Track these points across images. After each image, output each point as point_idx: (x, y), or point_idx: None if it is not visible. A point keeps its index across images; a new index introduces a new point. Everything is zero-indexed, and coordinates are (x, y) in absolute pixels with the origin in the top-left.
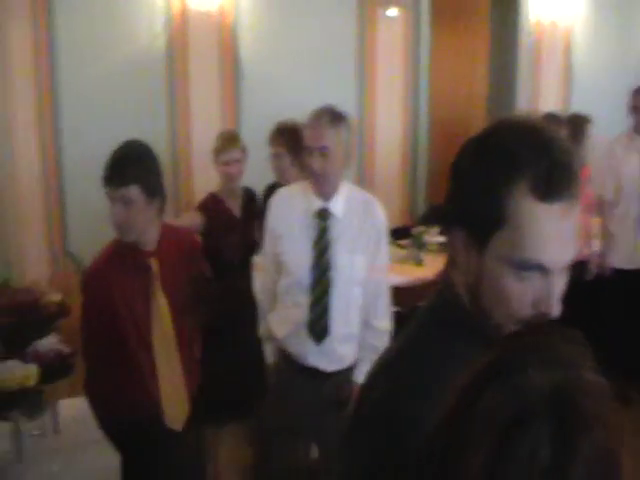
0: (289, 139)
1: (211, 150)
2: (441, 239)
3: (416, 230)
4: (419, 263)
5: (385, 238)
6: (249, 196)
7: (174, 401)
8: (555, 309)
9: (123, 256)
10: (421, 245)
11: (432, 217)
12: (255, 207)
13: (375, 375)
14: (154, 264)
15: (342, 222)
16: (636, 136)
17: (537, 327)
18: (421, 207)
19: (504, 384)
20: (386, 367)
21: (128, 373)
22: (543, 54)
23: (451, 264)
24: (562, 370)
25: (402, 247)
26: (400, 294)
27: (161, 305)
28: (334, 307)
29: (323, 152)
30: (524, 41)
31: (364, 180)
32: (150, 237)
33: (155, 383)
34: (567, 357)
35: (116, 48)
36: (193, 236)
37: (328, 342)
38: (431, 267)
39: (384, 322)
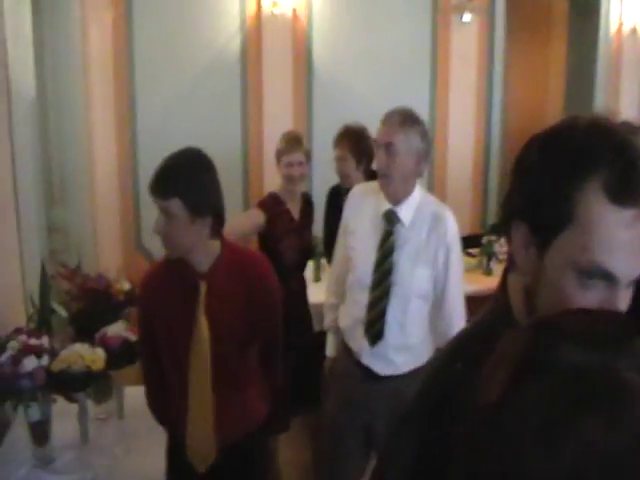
0: (354, 142)
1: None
2: None
3: (486, 239)
4: (488, 272)
5: (456, 254)
6: (307, 200)
7: (200, 438)
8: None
9: (172, 271)
10: (491, 254)
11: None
12: (312, 212)
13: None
14: (202, 287)
15: (408, 229)
16: None
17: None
18: (492, 216)
19: (539, 339)
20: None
21: (160, 389)
22: (623, 63)
23: (510, 264)
24: (607, 354)
25: (472, 256)
26: (469, 303)
27: (202, 332)
28: (391, 313)
29: (388, 149)
30: (603, 50)
31: (435, 187)
32: (201, 257)
33: (184, 410)
34: (617, 343)
35: (191, 50)
36: (265, 265)
37: (382, 347)
38: (500, 277)
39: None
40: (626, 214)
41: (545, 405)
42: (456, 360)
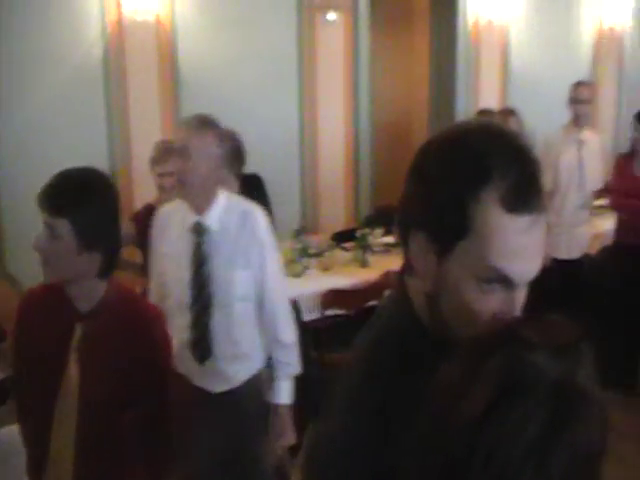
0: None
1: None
2: (386, 240)
3: (360, 232)
4: (364, 265)
5: (270, 249)
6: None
7: None
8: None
9: (51, 301)
10: (366, 247)
11: (377, 218)
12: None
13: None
14: (78, 330)
15: (218, 235)
16: (574, 128)
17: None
18: (365, 209)
19: (514, 353)
20: (342, 381)
21: (24, 419)
22: (482, 53)
23: (407, 269)
24: (569, 363)
25: (347, 250)
26: (346, 297)
27: (72, 382)
28: (216, 326)
29: (183, 153)
30: (462, 41)
31: (307, 184)
32: (83, 295)
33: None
34: (574, 351)
35: (51, 62)
36: (156, 321)
37: (212, 362)
38: (376, 268)
39: (286, 335)
40: (521, 221)
41: (529, 423)
42: (379, 368)
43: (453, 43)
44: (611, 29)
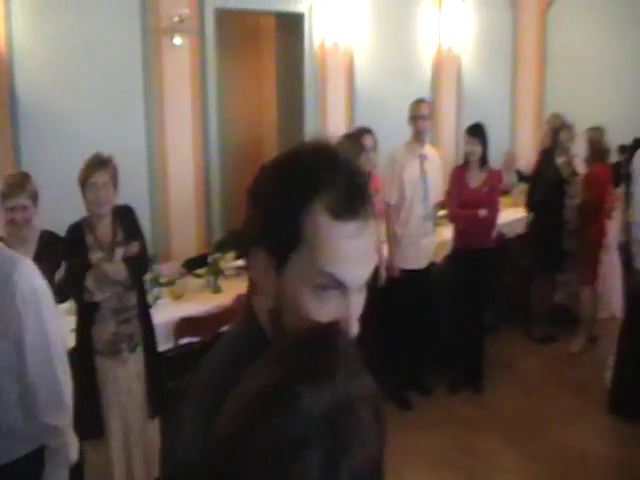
0: (113, 169)
1: None
2: (238, 264)
3: (212, 257)
4: (217, 290)
5: (32, 312)
6: (47, 240)
7: None
8: (354, 327)
9: None
10: (218, 272)
11: (229, 243)
12: (57, 250)
13: (182, 412)
14: None
15: None
16: (416, 143)
17: (306, 341)
18: (217, 235)
19: (278, 413)
20: (192, 402)
21: None
22: (328, 74)
23: (252, 288)
24: (331, 391)
25: (199, 276)
26: (200, 324)
27: None
28: None
29: None
30: (309, 62)
31: (157, 212)
32: None
33: None
34: (336, 373)
35: None
36: None
37: None
38: (229, 293)
39: (51, 418)
40: (349, 227)
41: (309, 470)
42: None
43: (300, 64)
44: (449, 49)
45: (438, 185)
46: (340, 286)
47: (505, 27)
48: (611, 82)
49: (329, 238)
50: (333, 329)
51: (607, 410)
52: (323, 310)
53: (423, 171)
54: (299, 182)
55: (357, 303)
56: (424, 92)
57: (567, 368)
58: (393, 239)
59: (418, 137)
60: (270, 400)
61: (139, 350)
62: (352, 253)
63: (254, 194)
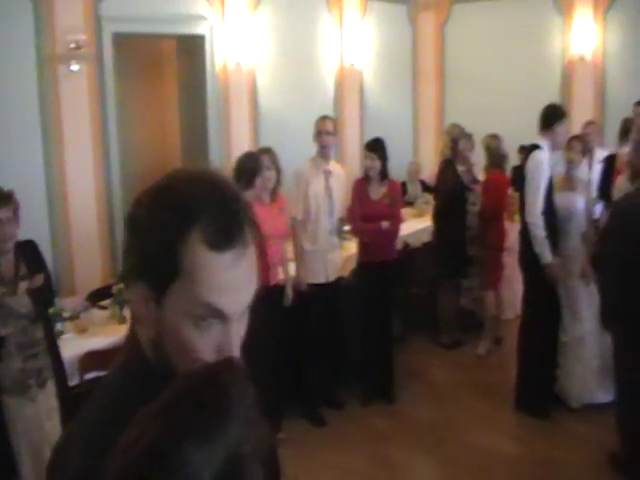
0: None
1: None
2: None
3: (117, 288)
4: (122, 321)
5: None
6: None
7: None
8: (236, 354)
9: None
10: (123, 302)
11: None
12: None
13: (65, 447)
14: None
15: None
16: (321, 159)
17: (197, 386)
18: (121, 264)
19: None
20: (75, 436)
21: None
22: (231, 96)
23: (134, 320)
24: (223, 450)
25: (104, 308)
26: (106, 357)
27: None
28: None
29: None
30: (211, 85)
31: (59, 246)
32: None
33: None
34: (228, 428)
35: None
36: None
37: None
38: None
39: None
40: (226, 257)
41: None
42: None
43: (202, 87)
44: (351, 66)
45: (342, 200)
46: (220, 315)
47: (405, 43)
48: (504, 93)
49: (206, 269)
50: (227, 372)
51: (513, 407)
52: (203, 340)
53: (328, 187)
54: (173, 213)
55: (238, 331)
56: (328, 109)
57: (475, 371)
58: (300, 254)
59: (323, 153)
60: (156, 463)
61: (49, 385)
62: (230, 282)
63: (130, 225)
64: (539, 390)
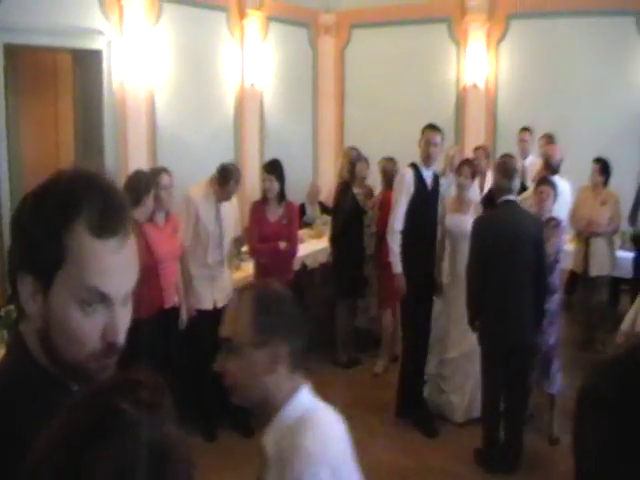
0: None
1: None
2: None
3: (4, 310)
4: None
5: None
6: None
7: None
8: (121, 339)
9: None
10: (10, 324)
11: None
12: None
13: None
14: None
15: None
16: (210, 187)
17: (104, 391)
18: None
19: (105, 443)
20: None
21: None
22: (128, 114)
23: (20, 317)
24: (152, 427)
25: None
26: None
27: None
28: None
29: None
30: (108, 101)
31: None
32: None
33: None
34: (154, 410)
35: None
36: None
37: None
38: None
39: None
40: (109, 244)
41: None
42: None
43: (99, 103)
44: (252, 86)
45: (234, 226)
46: (105, 300)
47: (306, 65)
48: (402, 116)
49: (91, 254)
50: (137, 381)
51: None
52: (89, 325)
53: (219, 217)
54: (58, 203)
55: (123, 316)
56: (227, 129)
57: (371, 389)
58: (188, 280)
59: (214, 182)
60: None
61: None
62: (114, 267)
63: (16, 222)
64: (413, 402)
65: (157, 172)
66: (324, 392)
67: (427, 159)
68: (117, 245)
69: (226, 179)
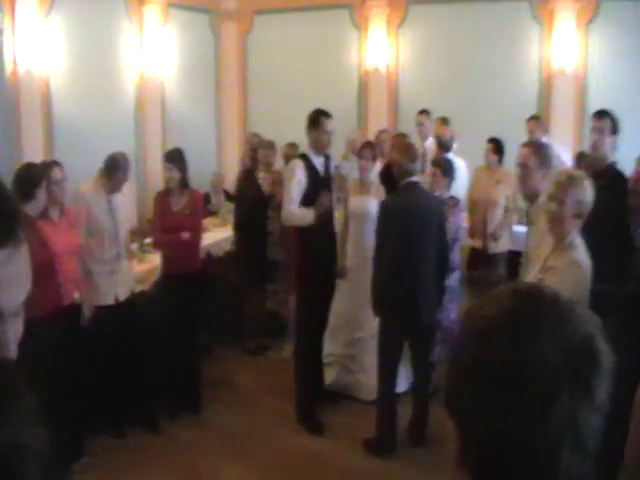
0: None
1: None
2: None
3: None
4: None
5: None
6: None
7: None
8: (12, 351)
9: None
10: None
11: None
12: None
13: None
14: None
15: None
16: (99, 180)
17: None
18: None
19: None
20: None
21: None
22: (22, 103)
23: None
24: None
25: None
26: None
27: None
28: None
29: None
30: (1, 91)
31: None
32: None
33: None
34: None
35: None
36: None
37: None
38: None
39: None
40: (1, 255)
41: None
42: None
43: None
44: (152, 75)
45: (130, 217)
46: None
47: (208, 52)
48: (305, 102)
49: None
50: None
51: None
52: None
53: (111, 209)
54: None
55: (14, 327)
56: (128, 119)
57: (280, 374)
58: (86, 276)
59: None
60: None
61: None
62: (7, 280)
63: None
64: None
65: (48, 165)
66: (232, 380)
67: (319, 147)
68: (7, 257)
69: (114, 169)
